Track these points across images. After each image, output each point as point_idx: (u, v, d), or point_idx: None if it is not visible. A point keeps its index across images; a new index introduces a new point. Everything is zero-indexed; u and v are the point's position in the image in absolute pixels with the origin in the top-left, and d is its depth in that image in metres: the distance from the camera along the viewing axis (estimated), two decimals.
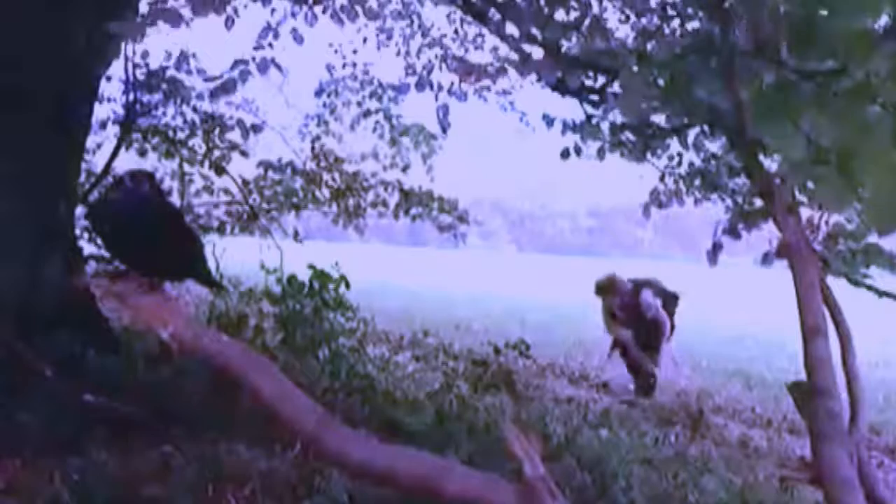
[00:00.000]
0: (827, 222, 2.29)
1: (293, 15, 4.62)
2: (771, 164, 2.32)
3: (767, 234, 2.98)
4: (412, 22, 6.27)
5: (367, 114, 7.33)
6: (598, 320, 6.52)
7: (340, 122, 7.60)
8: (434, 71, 6.25)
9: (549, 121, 4.09)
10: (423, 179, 7.64)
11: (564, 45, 3.74)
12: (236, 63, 4.43)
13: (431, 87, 6.02)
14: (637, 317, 6.05)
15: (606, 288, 6.22)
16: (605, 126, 3.88)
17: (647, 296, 6.02)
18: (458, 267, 22.72)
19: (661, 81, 2.18)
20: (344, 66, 7.14)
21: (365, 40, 6.76)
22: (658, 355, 6.04)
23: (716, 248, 3.71)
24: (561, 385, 6.09)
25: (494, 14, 4.12)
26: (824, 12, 1.35)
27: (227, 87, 4.42)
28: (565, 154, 4.04)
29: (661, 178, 4.75)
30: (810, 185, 1.86)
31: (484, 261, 28.75)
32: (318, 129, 7.63)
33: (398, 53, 6.43)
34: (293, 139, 7.34)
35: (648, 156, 4.14)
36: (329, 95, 7.46)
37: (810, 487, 2.30)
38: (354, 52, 7.00)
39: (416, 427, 3.52)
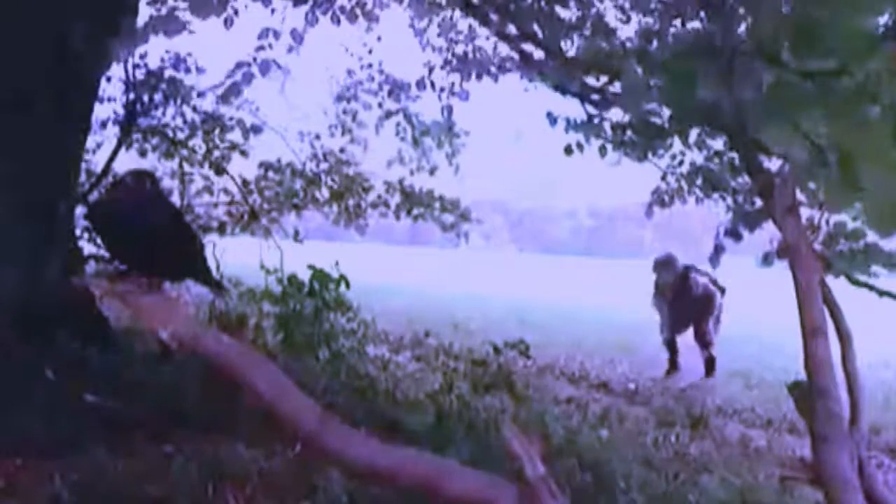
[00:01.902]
0: (828, 222, 2.28)
1: (309, 22, 4.54)
2: (770, 164, 2.32)
3: (769, 233, 2.97)
4: (431, 20, 6.01)
5: (388, 115, 7.05)
6: (598, 320, 6.52)
7: (364, 128, 7.38)
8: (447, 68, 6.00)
9: (552, 119, 4.08)
10: (440, 180, 7.49)
11: (565, 45, 3.73)
12: (238, 65, 4.42)
13: (433, 86, 5.97)
14: (684, 293, 6.73)
15: (664, 264, 6.96)
16: (606, 125, 3.88)
17: (696, 276, 6.78)
18: (458, 267, 22.68)
19: (661, 82, 2.18)
20: (361, 67, 6.88)
21: (379, 38, 6.55)
22: (707, 329, 6.70)
23: (718, 251, 3.74)
24: (561, 385, 6.09)
25: (494, 14, 4.12)
26: (825, 12, 1.35)
27: (232, 92, 4.42)
28: (569, 150, 4.05)
29: (663, 178, 4.76)
30: (811, 185, 1.85)
31: (484, 261, 28.71)
32: (343, 139, 7.48)
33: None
34: (293, 140, 7.30)
35: (650, 155, 4.14)
36: (349, 101, 7.24)
37: (810, 487, 2.30)
38: (370, 52, 6.70)
39: (416, 427, 3.52)
